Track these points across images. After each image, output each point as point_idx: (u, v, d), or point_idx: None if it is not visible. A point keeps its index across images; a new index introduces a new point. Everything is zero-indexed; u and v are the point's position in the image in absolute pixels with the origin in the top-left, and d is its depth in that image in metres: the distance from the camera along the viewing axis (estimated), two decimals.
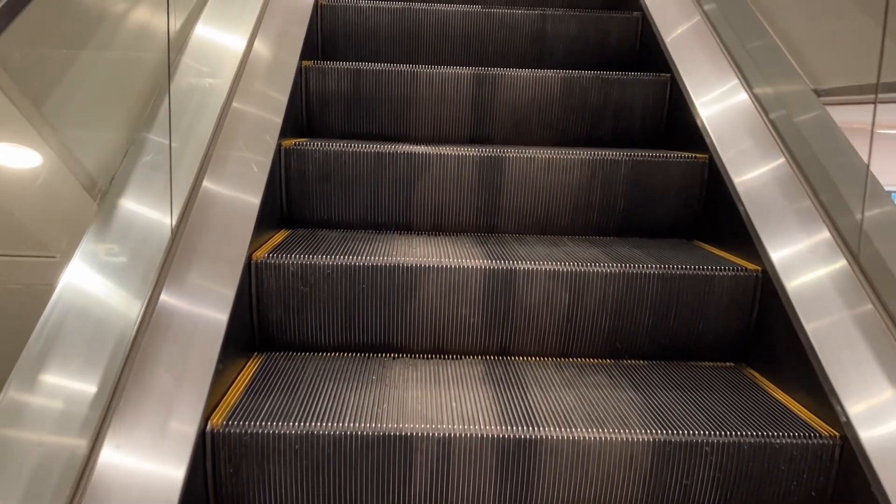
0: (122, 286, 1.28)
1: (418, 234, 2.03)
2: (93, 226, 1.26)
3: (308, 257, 1.66)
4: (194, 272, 1.42)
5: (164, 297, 1.33)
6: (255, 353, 1.67)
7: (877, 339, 1.40)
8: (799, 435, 1.37)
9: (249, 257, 1.63)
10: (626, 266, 1.69)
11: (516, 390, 1.52)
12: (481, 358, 1.71)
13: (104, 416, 1.12)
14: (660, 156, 2.02)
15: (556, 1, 2.87)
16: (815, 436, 1.37)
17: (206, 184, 1.59)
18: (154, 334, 1.28)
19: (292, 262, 1.65)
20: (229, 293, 1.47)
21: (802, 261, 1.61)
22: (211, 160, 1.63)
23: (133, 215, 1.38)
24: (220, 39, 1.97)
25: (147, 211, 1.40)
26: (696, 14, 2.42)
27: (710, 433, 1.36)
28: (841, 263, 1.56)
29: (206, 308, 1.40)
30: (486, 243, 1.91)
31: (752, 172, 1.85)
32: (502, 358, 1.71)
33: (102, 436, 1.10)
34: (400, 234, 2.02)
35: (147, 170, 1.42)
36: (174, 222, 1.43)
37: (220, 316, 1.41)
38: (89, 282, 1.22)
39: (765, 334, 1.66)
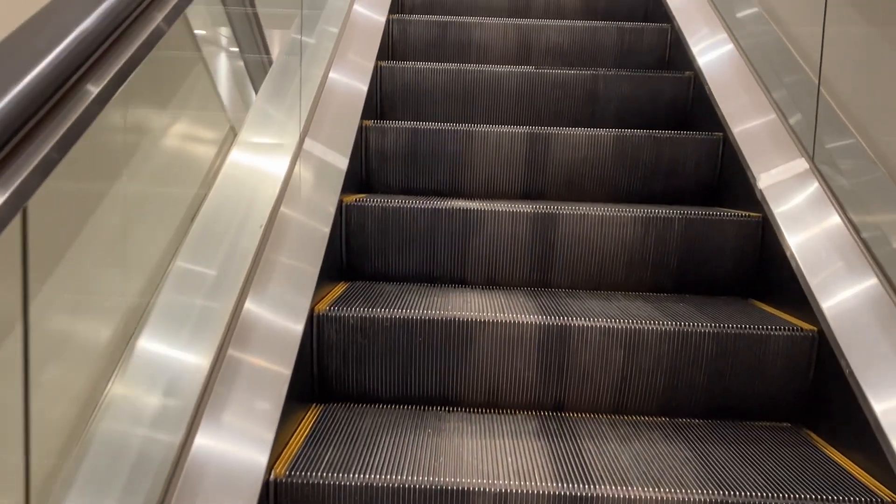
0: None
1: (473, 287, 2.07)
2: None
3: (367, 310, 1.71)
4: (262, 324, 1.48)
5: (231, 352, 1.38)
6: (314, 404, 1.72)
7: None
8: (860, 500, 1.35)
9: (312, 309, 1.69)
10: (680, 324, 1.71)
11: (571, 446, 1.53)
12: (536, 413, 1.72)
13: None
14: (713, 214, 2.04)
15: (609, 61, 2.94)
16: (876, 501, 1.35)
17: (273, 237, 1.67)
18: (222, 385, 1.34)
19: (352, 315, 1.71)
20: (294, 344, 1.52)
21: (859, 321, 1.61)
22: (275, 223, 1.70)
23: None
24: (285, 109, 2.07)
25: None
26: (747, 72, 2.45)
27: (768, 495, 1.35)
28: None
29: (272, 359, 1.46)
30: (540, 298, 1.94)
31: (807, 232, 1.86)
32: (557, 413, 1.72)
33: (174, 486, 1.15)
34: (455, 287, 2.06)
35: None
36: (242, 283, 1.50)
37: (284, 367, 1.47)
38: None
39: (822, 395, 1.65)
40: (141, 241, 1.24)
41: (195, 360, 1.28)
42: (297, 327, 1.57)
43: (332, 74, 2.34)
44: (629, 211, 2.05)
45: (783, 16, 2.40)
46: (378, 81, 2.66)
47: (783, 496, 1.35)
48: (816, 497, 1.35)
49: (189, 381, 1.25)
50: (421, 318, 1.71)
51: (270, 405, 1.37)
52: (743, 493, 1.35)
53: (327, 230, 1.85)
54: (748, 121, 2.30)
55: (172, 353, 1.25)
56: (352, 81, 2.43)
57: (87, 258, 0.97)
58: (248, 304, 1.45)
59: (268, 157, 1.84)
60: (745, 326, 1.70)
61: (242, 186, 1.66)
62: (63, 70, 0.68)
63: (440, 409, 1.72)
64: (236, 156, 1.63)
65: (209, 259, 1.41)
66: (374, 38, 2.74)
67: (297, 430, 1.55)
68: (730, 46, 2.61)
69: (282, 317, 1.56)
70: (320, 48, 2.36)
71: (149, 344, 1.12)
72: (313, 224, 1.84)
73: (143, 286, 1.17)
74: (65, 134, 0.65)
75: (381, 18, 2.86)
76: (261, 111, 1.82)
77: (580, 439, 1.57)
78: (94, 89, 0.71)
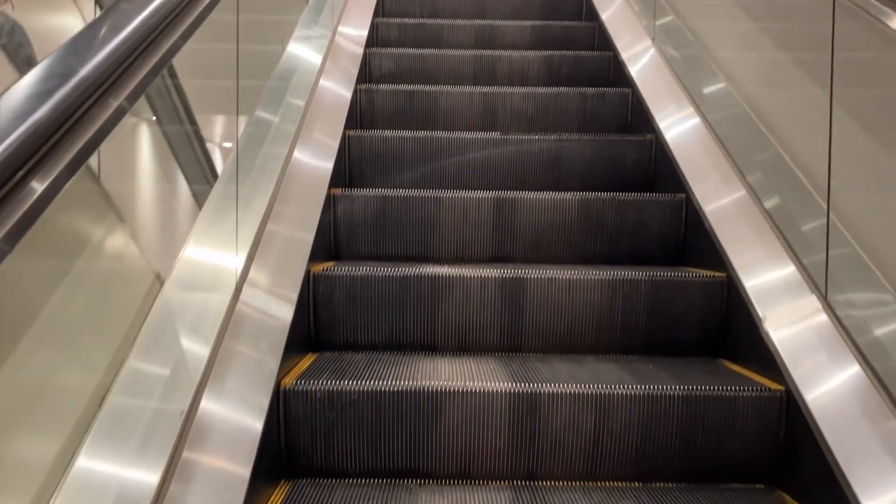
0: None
1: (443, 354, 2.06)
2: None
3: (335, 383, 1.69)
4: (222, 411, 1.45)
5: (187, 454, 1.34)
6: (283, 481, 1.68)
7: None
8: None
9: (278, 384, 1.66)
10: (650, 387, 1.70)
11: None
12: (508, 483, 1.70)
13: None
14: (678, 275, 2.06)
15: (572, 126, 3.00)
16: None
17: (239, 307, 1.66)
18: (183, 471, 1.31)
19: (320, 389, 1.69)
20: (257, 425, 1.49)
21: (825, 379, 1.62)
22: (241, 292, 1.69)
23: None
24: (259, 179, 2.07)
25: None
26: (705, 133, 2.51)
27: None
28: (862, 379, 1.56)
29: (231, 453, 1.42)
30: (511, 364, 1.93)
31: (771, 292, 1.88)
32: (529, 483, 1.70)
33: None
34: (425, 354, 2.05)
35: None
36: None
37: (243, 463, 1.42)
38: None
39: (793, 455, 1.65)
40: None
41: (144, 467, 1.22)
42: (258, 423, 1.51)
43: (297, 149, 2.35)
44: (596, 274, 2.07)
45: (736, 79, 2.48)
46: (346, 150, 2.69)
47: None
48: None
49: (140, 489, 1.19)
50: (390, 389, 1.70)
51: (234, 487, 1.34)
52: None
53: (293, 303, 1.84)
54: (709, 181, 2.35)
55: (117, 468, 1.18)
56: (318, 153, 2.46)
57: None
58: (205, 402, 1.41)
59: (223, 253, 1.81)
60: (714, 388, 1.70)
61: (199, 279, 1.63)
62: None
63: (411, 482, 1.69)
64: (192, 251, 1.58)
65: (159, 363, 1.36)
66: (341, 110, 2.78)
67: None
68: (690, 109, 2.68)
69: (241, 410, 1.52)
70: (286, 121, 2.39)
71: (91, 461, 1.05)
72: (277, 300, 1.83)
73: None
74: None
75: (347, 94, 2.91)
76: (218, 200, 1.80)
77: None
78: (39, 186, 0.71)
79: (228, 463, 1.41)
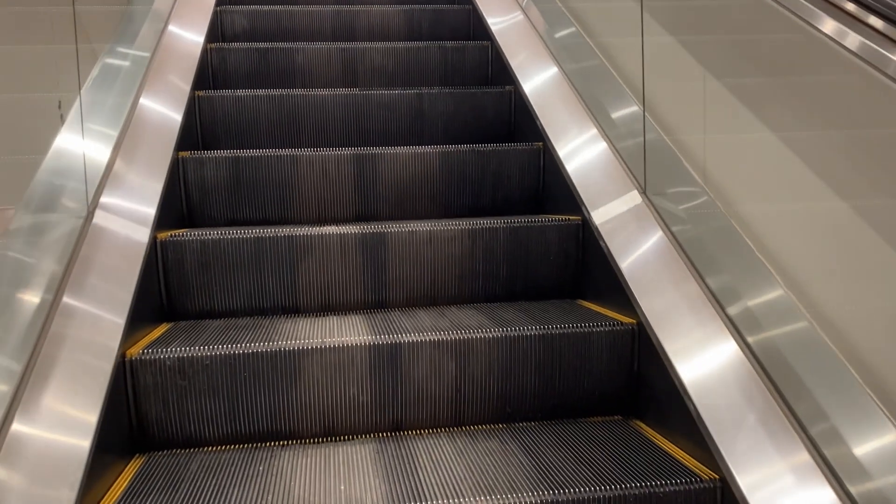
0: None
1: (306, 315, 2.01)
2: None
3: (185, 349, 1.62)
4: (57, 377, 1.35)
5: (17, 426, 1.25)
6: (137, 455, 1.60)
7: (745, 381, 1.46)
8: (681, 482, 1.40)
9: (123, 355, 1.57)
10: (508, 330, 1.72)
11: (407, 466, 1.50)
12: (374, 436, 1.68)
13: None
14: (535, 220, 2.08)
15: (434, 80, 2.98)
16: (696, 481, 1.40)
17: (71, 282, 1.55)
18: (10, 451, 1.21)
19: (168, 357, 1.60)
20: (98, 395, 1.40)
21: (669, 308, 1.68)
22: (76, 262, 1.58)
23: None
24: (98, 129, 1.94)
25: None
26: (562, 81, 2.54)
27: (595, 488, 1.37)
28: (702, 300, 1.63)
29: (70, 418, 1.33)
30: (374, 319, 1.91)
31: (622, 229, 1.93)
32: (395, 434, 1.69)
33: None
34: (287, 317, 1.99)
35: None
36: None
37: (83, 436, 1.33)
38: None
39: (647, 386, 1.71)
40: None
41: None
42: (97, 399, 1.43)
43: (143, 100, 2.21)
44: (456, 224, 2.06)
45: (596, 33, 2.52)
46: (196, 113, 2.56)
47: (610, 487, 1.38)
48: (642, 484, 1.39)
49: None
50: (244, 352, 1.63)
51: (70, 464, 1.25)
52: (572, 490, 1.37)
53: (137, 272, 1.73)
54: (564, 126, 2.38)
55: None
56: (165, 110, 2.32)
57: None
58: (33, 383, 1.31)
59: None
60: (569, 325, 1.74)
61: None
62: None
63: (273, 445, 1.64)
64: None
65: None
66: (190, 65, 2.64)
67: (113, 487, 1.43)
68: (548, 60, 2.70)
69: (78, 386, 1.42)
70: (126, 74, 2.25)
71: None
72: (120, 264, 1.72)
73: None
74: None
75: (198, 39, 2.76)
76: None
77: (416, 457, 1.54)
78: None
79: (66, 437, 1.32)
